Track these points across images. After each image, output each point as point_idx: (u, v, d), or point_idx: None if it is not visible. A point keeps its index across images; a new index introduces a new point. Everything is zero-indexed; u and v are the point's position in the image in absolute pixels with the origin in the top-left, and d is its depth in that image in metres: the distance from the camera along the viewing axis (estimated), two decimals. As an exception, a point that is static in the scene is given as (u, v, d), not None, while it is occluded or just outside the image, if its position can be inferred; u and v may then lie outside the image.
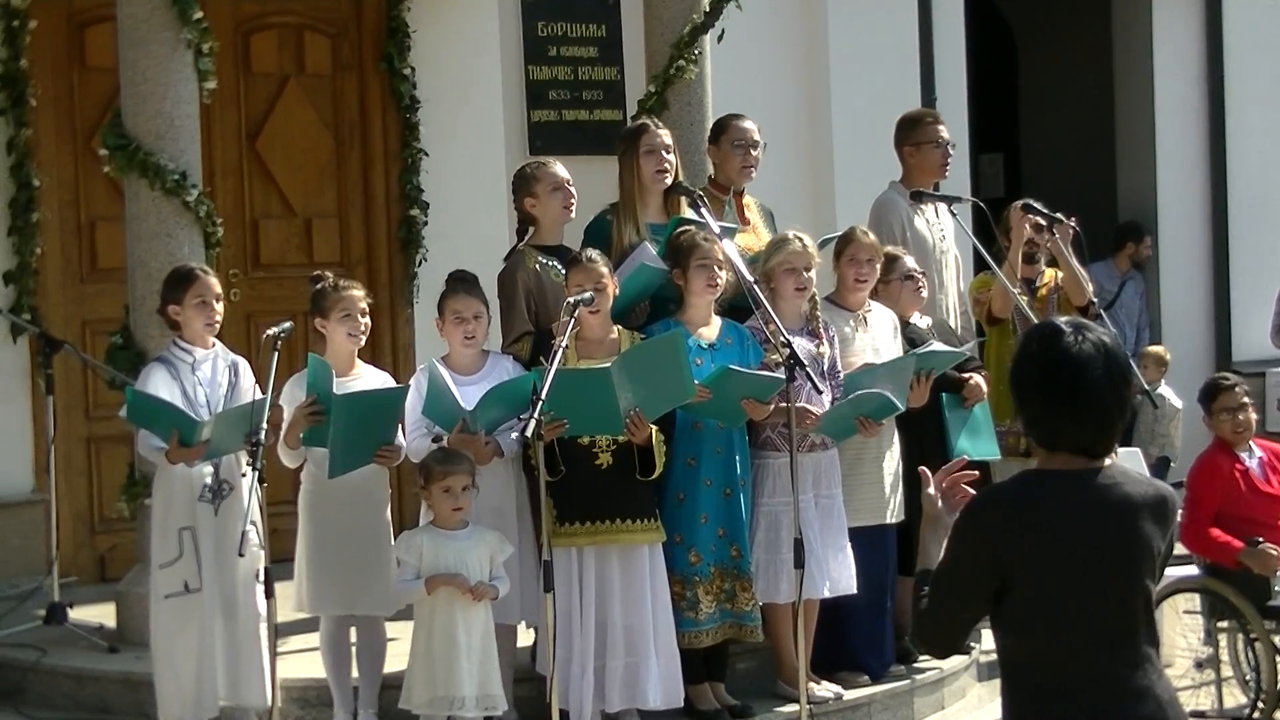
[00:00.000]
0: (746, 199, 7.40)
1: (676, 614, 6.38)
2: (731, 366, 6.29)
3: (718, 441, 6.49)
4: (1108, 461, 3.64)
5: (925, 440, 7.12)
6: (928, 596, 3.74)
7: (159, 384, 6.23)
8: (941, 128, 7.92)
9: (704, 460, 6.47)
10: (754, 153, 7.24)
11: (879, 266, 7.06)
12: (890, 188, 7.91)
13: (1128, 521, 3.60)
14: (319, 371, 6.16)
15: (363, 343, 6.50)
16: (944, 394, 7.18)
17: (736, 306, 6.69)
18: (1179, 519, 3.74)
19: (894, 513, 7.01)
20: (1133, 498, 3.61)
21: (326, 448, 6.11)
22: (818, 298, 6.82)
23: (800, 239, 6.70)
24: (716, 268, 6.47)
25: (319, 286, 6.44)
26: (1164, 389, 10.59)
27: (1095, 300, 8.04)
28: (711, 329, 6.57)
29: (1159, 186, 12.08)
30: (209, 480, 6.27)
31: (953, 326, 7.74)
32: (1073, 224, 7.87)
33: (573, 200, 6.78)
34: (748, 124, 7.28)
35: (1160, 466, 10.50)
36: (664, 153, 6.86)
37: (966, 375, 7.27)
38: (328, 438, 6.10)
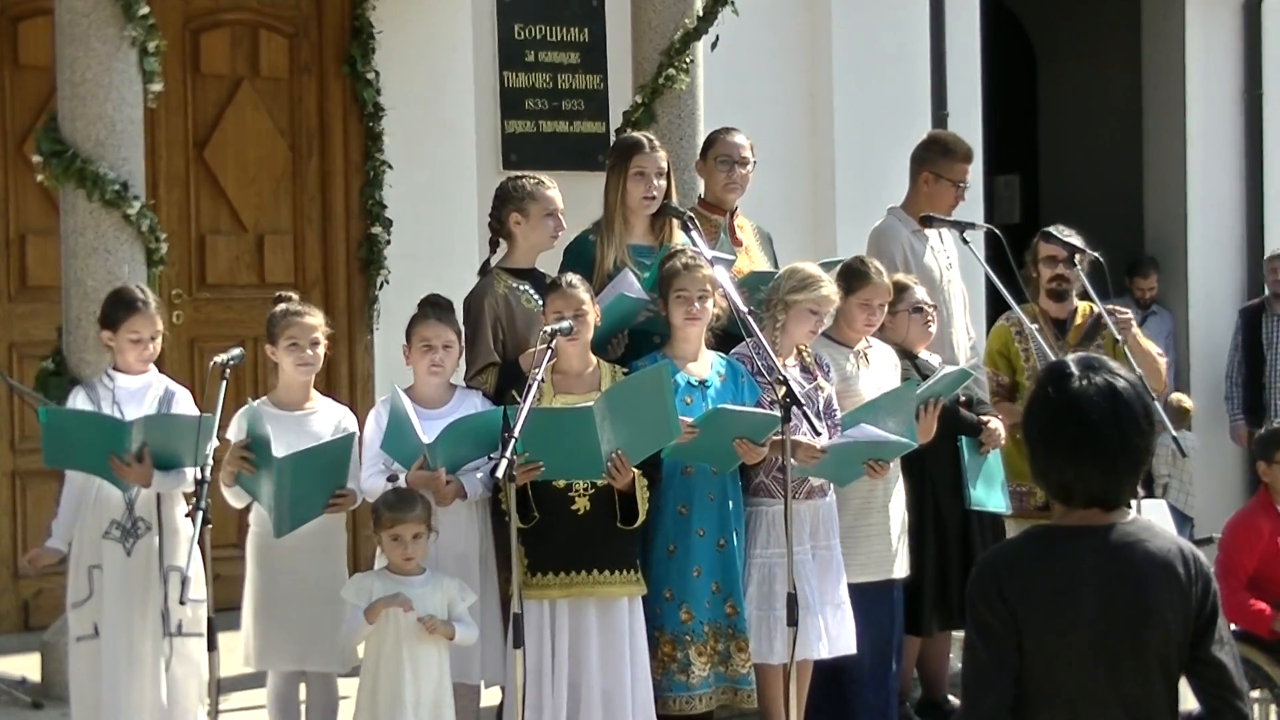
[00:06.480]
0: (740, 220, 7.44)
1: (667, 677, 6.40)
2: (724, 406, 6.32)
3: (710, 487, 6.49)
4: (1129, 516, 3.61)
5: (940, 489, 7.19)
6: (961, 698, 3.67)
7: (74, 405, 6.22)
8: (969, 168, 7.96)
9: (696, 508, 6.47)
10: (741, 170, 7.30)
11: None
12: (890, 214, 7.93)
13: (1142, 583, 3.54)
14: (255, 421, 6.09)
15: (314, 374, 6.46)
16: (963, 438, 7.24)
17: (730, 333, 6.69)
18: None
19: (901, 566, 7.05)
20: (1152, 556, 3.56)
21: (260, 500, 6.10)
22: (809, 333, 6.88)
23: (834, 284, 6.76)
24: (698, 300, 6.47)
25: (273, 310, 6.46)
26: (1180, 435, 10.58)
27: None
28: (702, 364, 6.58)
29: (1189, 213, 12.13)
30: (118, 516, 6.21)
31: (960, 363, 7.75)
32: (1096, 256, 7.84)
33: (562, 230, 6.82)
34: (737, 139, 7.34)
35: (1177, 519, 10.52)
36: (655, 178, 6.89)
37: (985, 418, 7.32)
38: (260, 492, 6.09)
